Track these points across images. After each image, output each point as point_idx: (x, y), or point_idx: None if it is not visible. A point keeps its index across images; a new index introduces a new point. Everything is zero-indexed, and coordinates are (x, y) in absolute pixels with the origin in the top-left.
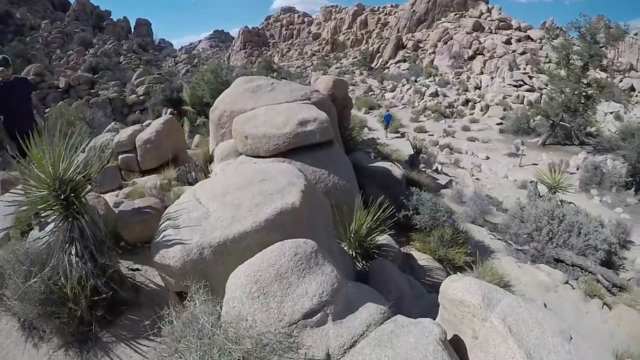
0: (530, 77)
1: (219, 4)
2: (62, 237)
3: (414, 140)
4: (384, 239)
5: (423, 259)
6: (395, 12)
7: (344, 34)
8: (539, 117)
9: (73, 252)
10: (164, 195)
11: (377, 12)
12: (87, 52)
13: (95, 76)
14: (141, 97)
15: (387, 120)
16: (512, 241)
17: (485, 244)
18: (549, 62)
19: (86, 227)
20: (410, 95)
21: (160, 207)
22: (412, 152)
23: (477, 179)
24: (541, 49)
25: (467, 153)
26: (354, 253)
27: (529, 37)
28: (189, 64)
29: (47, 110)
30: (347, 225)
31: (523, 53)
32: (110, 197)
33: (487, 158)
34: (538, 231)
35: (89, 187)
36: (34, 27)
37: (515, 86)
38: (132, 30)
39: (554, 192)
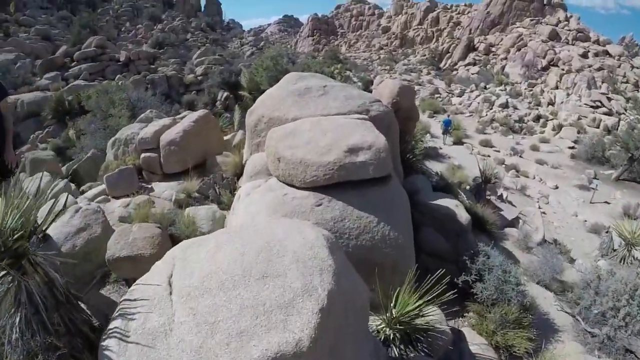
0: (609, 99)
1: None
2: (10, 299)
3: (484, 165)
4: (433, 314)
5: (476, 343)
6: (468, 12)
7: (414, 29)
8: (616, 146)
9: (17, 320)
10: (174, 216)
11: (450, 10)
12: (155, 27)
13: (161, 51)
14: (199, 77)
15: (447, 126)
16: (581, 317)
17: (550, 317)
18: (627, 82)
19: (35, 291)
20: (478, 103)
21: (159, 241)
22: (479, 177)
23: (544, 212)
24: (619, 66)
25: (534, 178)
26: (391, 335)
27: (607, 53)
28: (255, 46)
29: (103, 82)
30: (389, 302)
31: (599, 69)
32: (120, 207)
33: (556, 187)
34: (614, 311)
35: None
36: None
37: (592, 107)
38: (202, 8)
39: (630, 250)
